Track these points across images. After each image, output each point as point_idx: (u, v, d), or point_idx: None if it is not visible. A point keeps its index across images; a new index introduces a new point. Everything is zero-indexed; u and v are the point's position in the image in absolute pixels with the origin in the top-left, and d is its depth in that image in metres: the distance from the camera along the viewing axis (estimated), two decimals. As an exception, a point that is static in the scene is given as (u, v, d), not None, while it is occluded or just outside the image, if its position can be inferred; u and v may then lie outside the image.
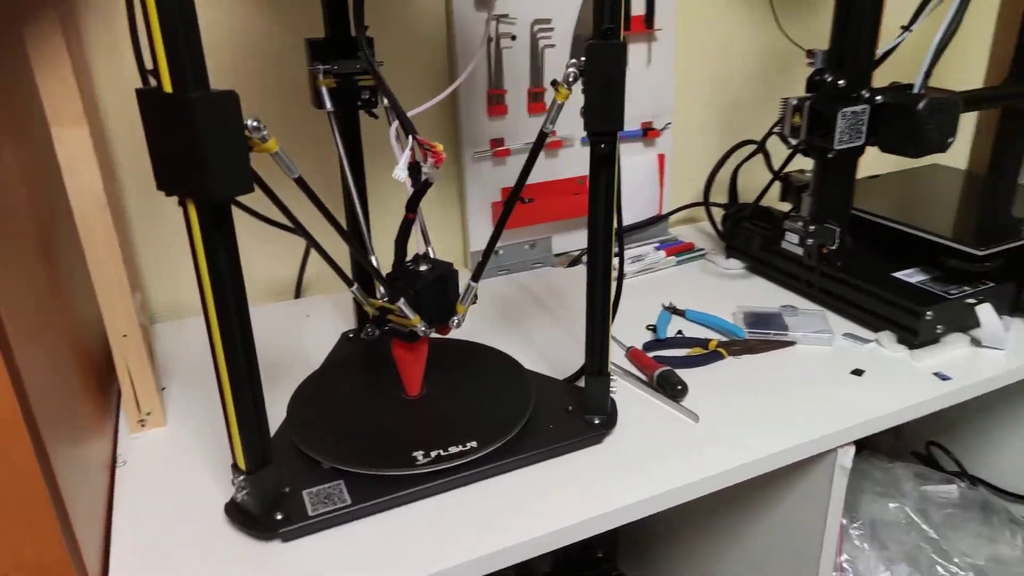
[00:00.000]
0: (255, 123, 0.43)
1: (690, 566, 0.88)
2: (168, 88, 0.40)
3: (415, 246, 0.59)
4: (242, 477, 0.51)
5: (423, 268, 0.58)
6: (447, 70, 0.93)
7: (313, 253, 0.79)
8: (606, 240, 0.58)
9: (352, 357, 0.74)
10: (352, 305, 0.84)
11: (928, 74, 0.75)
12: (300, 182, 0.49)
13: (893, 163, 1.20)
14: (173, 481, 0.58)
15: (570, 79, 0.53)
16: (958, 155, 1.27)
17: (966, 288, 0.76)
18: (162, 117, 0.42)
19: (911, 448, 1.11)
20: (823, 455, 0.64)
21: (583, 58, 0.52)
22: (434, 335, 0.60)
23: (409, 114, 0.53)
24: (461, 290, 0.60)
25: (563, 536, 0.53)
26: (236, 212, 0.45)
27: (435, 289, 0.58)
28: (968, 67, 1.23)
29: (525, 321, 0.83)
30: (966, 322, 0.75)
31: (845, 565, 0.78)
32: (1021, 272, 0.78)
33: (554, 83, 0.54)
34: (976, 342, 0.76)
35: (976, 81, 1.21)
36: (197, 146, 0.40)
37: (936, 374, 0.71)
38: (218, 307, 0.45)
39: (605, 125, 0.54)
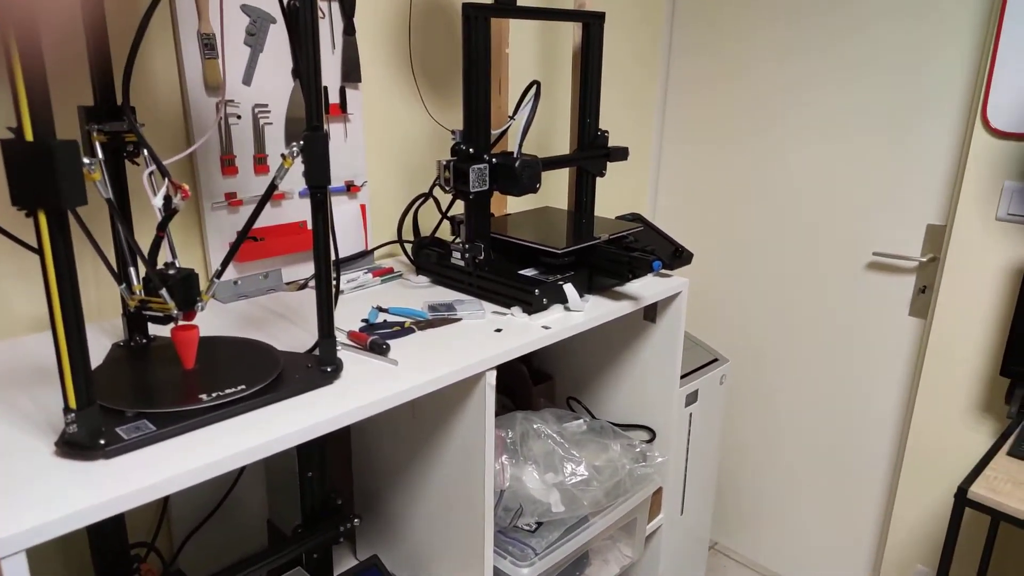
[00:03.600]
0: (88, 161, 0.66)
1: (403, 492, 1.19)
2: (30, 137, 0.62)
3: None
4: (72, 414, 0.70)
5: (172, 271, 0.83)
6: (184, 137, 1.18)
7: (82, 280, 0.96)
8: (326, 247, 0.89)
9: (127, 355, 0.94)
10: (120, 323, 1.02)
11: (520, 145, 1.20)
12: (110, 202, 0.72)
13: (522, 204, 1.70)
14: (-8, 446, 0.74)
15: (294, 153, 0.84)
16: (562, 200, 1.83)
17: (559, 275, 1.22)
18: (22, 156, 0.63)
19: (558, 406, 1.57)
20: (478, 376, 1.01)
21: (302, 141, 0.84)
22: (190, 326, 0.84)
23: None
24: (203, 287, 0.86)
25: (309, 432, 0.81)
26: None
27: (183, 283, 0.83)
28: (562, 139, 1.80)
29: (268, 328, 1.09)
30: (560, 297, 1.20)
31: (504, 462, 1.16)
32: (590, 267, 1.27)
33: (283, 155, 0.85)
34: (568, 309, 1.21)
35: (566, 149, 1.79)
36: (53, 174, 0.63)
37: (543, 326, 1.13)
38: (60, 288, 0.66)
39: (319, 181, 0.86)
